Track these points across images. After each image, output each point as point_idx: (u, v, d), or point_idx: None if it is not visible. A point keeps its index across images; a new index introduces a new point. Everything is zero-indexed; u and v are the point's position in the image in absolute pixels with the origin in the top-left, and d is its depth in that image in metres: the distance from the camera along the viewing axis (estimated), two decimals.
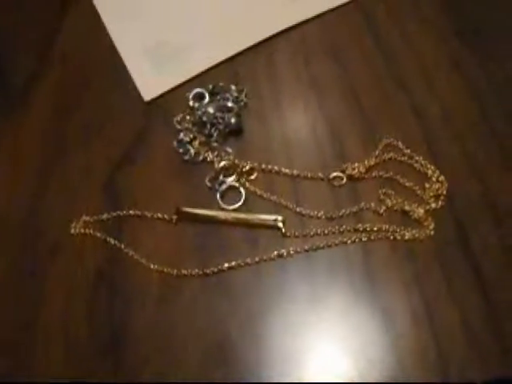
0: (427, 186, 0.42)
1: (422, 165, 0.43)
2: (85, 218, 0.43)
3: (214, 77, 0.50)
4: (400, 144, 0.44)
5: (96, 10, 0.58)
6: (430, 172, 0.43)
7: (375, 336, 0.36)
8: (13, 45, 0.57)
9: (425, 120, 0.46)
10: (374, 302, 0.38)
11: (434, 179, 0.42)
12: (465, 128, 0.45)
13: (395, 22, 0.53)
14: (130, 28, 0.55)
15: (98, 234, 0.42)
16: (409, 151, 0.44)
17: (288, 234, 0.41)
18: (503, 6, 0.53)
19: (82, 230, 0.43)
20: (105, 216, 0.43)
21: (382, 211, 0.41)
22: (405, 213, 0.41)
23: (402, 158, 0.44)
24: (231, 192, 0.43)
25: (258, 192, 0.43)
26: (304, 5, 0.54)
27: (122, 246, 0.41)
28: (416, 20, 0.53)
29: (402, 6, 0.55)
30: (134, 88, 0.50)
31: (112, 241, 0.42)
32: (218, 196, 0.43)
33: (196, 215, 0.42)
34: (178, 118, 0.47)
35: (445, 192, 0.41)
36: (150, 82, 0.50)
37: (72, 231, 0.43)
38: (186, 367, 0.36)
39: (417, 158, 0.43)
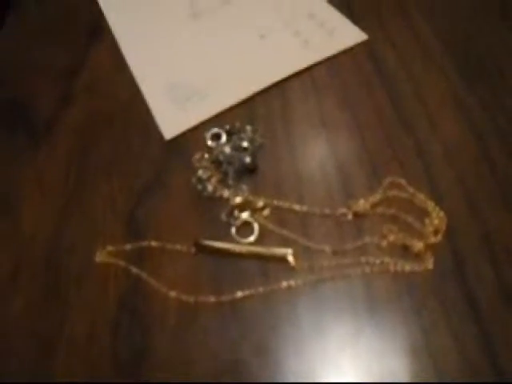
0: (427, 221, 0.44)
1: (423, 201, 0.45)
2: (109, 248, 0.45)
3: (231, 117, 0.53)
4: (403, 182, 0.47)
5: (119, 48, 0.61)
6: (430, 208, 0.45)
7: (375, 364, 0.38)
8: (37, 81, 0.60)
9: (427, 159, 0.48)
10: (376, 331, 0.39)
11: (434, 215, 0.44)
12: (466, 167, 0.47)
13: (402, 64, 0.57)
14: (152, 67, 0.59)
15: (121, 263, 0.44)
16: (411, 189, 0.46)
17: (297, 266, 0.43)
18: (506, 47, 0.56)
19: (106, 260, 0.45)
20: (127, 247, 0.45)
21: (384, 245, 0.43)
22: (406, 247, 0.43)
23: (405, 195, 0.46)
24: (245, 226, 0.45)
25: (270, 227, 0.45)
26: (316, 48, 0.58)
27: (144, 275, 0.43)
28: (422, 61, 0.57)
29: (409, 48, 0.58)
30: (155, 126, 0.53)
31: (134, 270, 0.44)
32: (233, 230, 0.45)
33: (213, 247, 0.44)
34: (197, 157, 0.50)
35: (444, 227, 0.43)
36: (171, 121, 0.53)
37: (97, 260, 0.45)
38: None
39: (418, 195, 0.46)
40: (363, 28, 0.61)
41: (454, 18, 0.61)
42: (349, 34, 0.59)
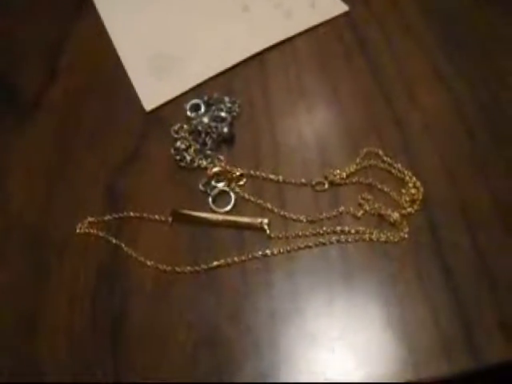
0: (403, 191, 0.44)
1: (399, 171, 0.46)
2: (89, 219, 0.46)
3: (210, 88, 0.53)
4: (380, 152, 0.47)
5: (102, 22, 0.61)
6: (407, 178, 0.45)
7: (349, 334, 0.39)
8: (21, 57, 0.60)
9: (406, 129, 0.48)
10: (351, 300, 0.40)
11: (410, 185, 0.45)
12: (444, 138, 0.48)
13: (383, 36, 0.56)
14: (133, 39, 0.59)
15: (101, 234, 0.45)
16: (388, 159, 0.46)
17: (272, 235, 0.43)
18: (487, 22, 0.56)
19: (87, 230, 0.45)
20: (107, 217, 0.46)
21: (359, 215, 0.44)
22: (382, 217, 0.43)
23: (382, 166, 0.46)
24: (222, 196, 0.46)
25: (247, 196, 0.46)
26: (297, 19, 0.58)
27: (122, 245, 0.44)
28: (403, 33, 0.56)
29: (390, 20, 0.58)
30: (136, 98, 0.54)
31: (113, 240, 0.44)
32: (210, 200, 0.46)
33: (189, 217, 0.45)
34: (176, 128, 0.50)
35: (420, 197, 0.44)
36: (151, 93, 0.53)
37: (78, 231, 0.45)
38: (178, 355, 0.39)
39: (395, 165, 0.46)
40: None
41: None
42: (330, 6, 0.59)
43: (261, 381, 0.37)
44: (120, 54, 0.58)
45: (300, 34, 0.57)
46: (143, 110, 0.53)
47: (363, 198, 0.45)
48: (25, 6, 0.66)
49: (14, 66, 0.59)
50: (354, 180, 0.46)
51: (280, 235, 0.43)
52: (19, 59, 0.60)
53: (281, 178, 0.46)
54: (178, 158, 0.48)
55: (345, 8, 0.59)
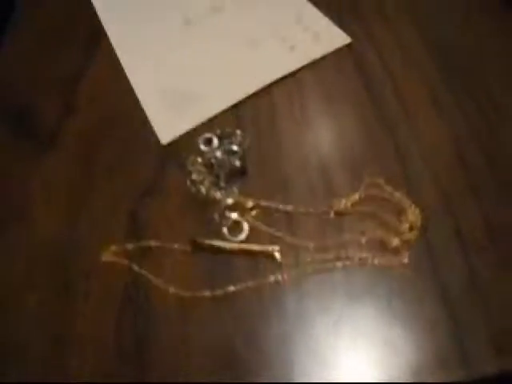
0: (403, 218, 0.47)
1: (399, 200, 0.49)
2: (112, 247, 0.48)
3: (222, 121, 0.57)
4: (381, 181, 0.50)
5: (117, 57, 0.64)
6: (406, 206, 0.48)
7: (353, 352, 0.42)
8: (39, 91, 0.63)
9: (405, 159, 0.52)
10: (355, 320, 0.43)
11: (409, 212, 0.48)
12: (441, 167, 0.51)
13: (384, 65, 0.60)
14: (146, 74, 0.62)
15: (124, 262, 0.47)
16: (389, 188, 0.49)
17: (283, 261, 0.46)
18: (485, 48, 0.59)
19: (111, 258, 0.48)
20: (129, 246, 0.48)
21: (363, 241, 0.47)
22: (383, 243, 0.46)
23: (383, 195, 0.49)
24: (236, 226, 0.49)
25: (259, 225, 0.48)
26: (301, 53, 0.61)
27: (144, 272, 0.47)
28: (403, 63, 0.60)
29: (392, 52, 0.61)
30: (152, 131, 0.57)
31: (135, 267, 0.47)
32: (224, 229, 0.48)
33: (207, 246, 0.47)
34: (190, 160, 0.53)
35: (419, 224, 0.47)
36: (166, 126, 0.56)
37: (103, 259, 0.48)
38: (198, 373, 0.42)
39: (396, 194, 0.49)
40: (347, 30, 0.64)
41: (436, 20, 0.65)
42: (333, 38, 0.62)
43: None
44: (135, 88, 0.61)
45: (304, 67, 0.61)
46: (159, 142, 0.56)
47: (366, 226, 0.48)
48: (40, 39, 0.70)
49: (31, 98, 0.62)
50: (357, 209, 0.49)
51: (290, 261, 0.46)
52: (36, 92, 0.63)
53: (290, 207, 0.49)
54: (193, 190, 0.51)
55: (348, 40, 0.62)
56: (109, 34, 0.67)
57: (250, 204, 0.50)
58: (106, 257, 0.48)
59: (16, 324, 0.45)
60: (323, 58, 0.62)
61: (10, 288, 0.47)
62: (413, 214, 0.48)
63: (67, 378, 0.42)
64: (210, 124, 0.57)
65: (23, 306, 0.46)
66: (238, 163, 0.51)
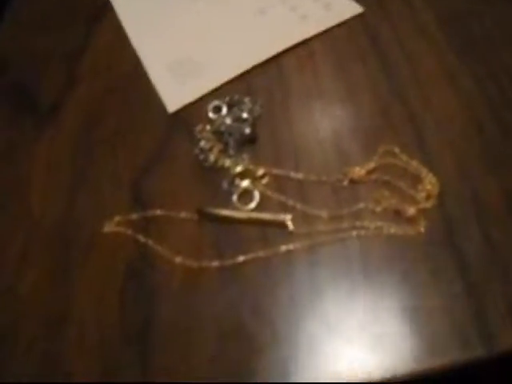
0: (420, 187, 0.46)
1: (415, 168, 0.47)
2: (116, 218, 0.47)
3: (230, 90, 0.55)
4: (396, 150, 0.48)
5: (122, 26, 0.63)
6: (423, 174, 0.47)
7: (368, 325, 0.40)
8: (42, 65, 0.62)
9: (419, 127, 0.50)
10: (369, 292, 0.41)
11: (426, 181, 0.46)
12: (456, 133, 0.49)
13: (396, 36, 0.58)
14: (154, 44, 0.61)
15: (129, 232, 0.46)
16: (404, 157, 0.48)
17: (295, 231, 0.45)
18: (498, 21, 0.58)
19: (114, 229, 0.47)
20: (134, 216, 0.47)
21: (378, 210, 0.45)
22: (399, 212, 0.45)
23: (399, 163, 0.48)
24: (246, 194, 0.47)
25: (270, 194, 0.47)
26: (312, 22, 0.59)
27: (150, 243, 0.45)
28: (415, 33, 0.58)
29: (403, 20, 0.60)
30: (159, 100, 0.55)
31: (141, 238, 0.46)
32: (234, 198, 0.47)
33: (215, 214, 0.46)
34: (199, 128, 0.52)
35: (436, 192, 0.45)
36: (173, 95, 0.55)
37: (105, 229, 0.47)
38: (204, 346, 0.40)
39: (411, 162, 0.47)
40: (359, 0, 0.62)
41: None
42: (344, 7, 0.61)
43: (281, 368, 0.39)
44: (142, 57, 0.59)
45: (315, 36, 0.59)
46: (165, 111, 0.54)
47: (381, 195, 0.46)
48: (44, 12, 0.69)
49: (33, 72, 0.62)
50: (372, 177, 0.47)
51: (302, 231, 0.45)
52: (39, 66, 0.62)
53: (302, 175, 0.48)
54: (201, 158, 0.50)
55: (359, 9, 0.61)
56: (115, 4, 0.65)
57: (260, 172, 0.48)
58: (109, 227, 0.47)
59: (13, 304, 0.44)
60: (335, 27, 0.60)
61: (7, 264, 0.46)
62: (430, 183, 0.46)
63: (67, 363, 0.41)
64: (218, 93, 0.56)
65: (20, 286, 0.45)
66: (247, 130, 0.50)
